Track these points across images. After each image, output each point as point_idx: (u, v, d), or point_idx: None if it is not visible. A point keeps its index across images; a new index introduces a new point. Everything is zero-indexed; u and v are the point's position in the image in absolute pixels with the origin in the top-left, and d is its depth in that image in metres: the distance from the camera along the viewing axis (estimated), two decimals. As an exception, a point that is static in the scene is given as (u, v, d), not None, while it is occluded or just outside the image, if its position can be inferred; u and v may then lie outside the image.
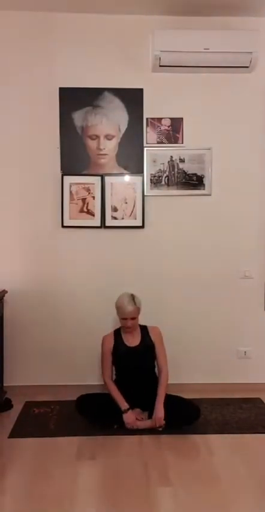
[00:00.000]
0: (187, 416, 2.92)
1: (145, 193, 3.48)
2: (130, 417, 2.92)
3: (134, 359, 3.06)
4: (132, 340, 3.10)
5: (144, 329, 3.15)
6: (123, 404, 2.94)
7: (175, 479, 2.42)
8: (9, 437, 2.89)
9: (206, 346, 3.59)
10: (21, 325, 3.51)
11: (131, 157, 3.47)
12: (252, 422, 3.08)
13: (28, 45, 3.38)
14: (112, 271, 3.51)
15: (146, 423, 2.93)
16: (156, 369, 3.16)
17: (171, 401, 2.98)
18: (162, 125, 3.48)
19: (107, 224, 3.49)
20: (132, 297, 3.05)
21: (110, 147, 3.46)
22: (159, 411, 2.89)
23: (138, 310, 3.05)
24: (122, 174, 3.48)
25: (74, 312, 3.53)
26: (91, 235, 3.49)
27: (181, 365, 3.44)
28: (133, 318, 3.04)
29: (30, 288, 3.49)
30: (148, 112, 3.46)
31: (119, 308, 3.06)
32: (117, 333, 3.14)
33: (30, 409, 3.26)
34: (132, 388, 3.03)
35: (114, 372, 3.15)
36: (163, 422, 2.87)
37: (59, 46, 3.39)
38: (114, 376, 3.14)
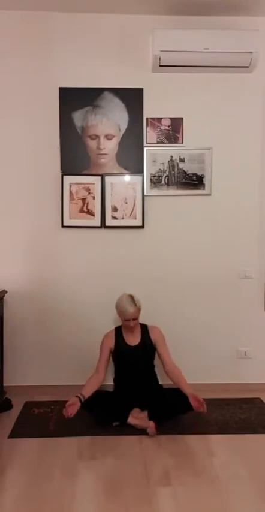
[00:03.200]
0: (183, 405, 2.89)
1: (145, 193, 3.48)
2: (71, 405, 2.80)
3: (134, 358, 3.09)
4: (133, 339, 3.13)
5: (144, 328, 3.17)
6: (81, 392, 2.88)
7: (175, 479, 2.42)
8: (9, 437, 2.89)
9: (206, 346, 3.60)
10: (21, 325, 3.51)
11: (130, 157, 3.47)
12: (252, 422, 3.08)
13: (28, 45, 3.38)
14: (112, 271, 3.51)
15: (145, 423, 2.92)
16: (155, 368, 3.19)
17: (166, 393, 3.03)
18: (162, 124, 3.48)
19: (107, 224, 3.49)
20: (132, 298, 3.05)
21: (110, 147, 3.46)
22: (194, 396, 2.84)
23: (139, 310, 3.07)
24: (122, 174, 3.48)
25: (73, 312, 3.53)
26: (91, 235, 3.49)
27: (181, 365, 3.41)
28: (135, 319, 3.06)
29: (30, 288, 3.49)
30: (148, 112, 3.46)
31: (120, 311, 3.07)
32: (119, 331, 3.16)
33: (30, 409, 3.26)
34: (132, 387, 3.06)
35: (114, 370, 3.18)
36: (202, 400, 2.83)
37: (58, 46, 3.39)
38: (113, 374, 3.19)
